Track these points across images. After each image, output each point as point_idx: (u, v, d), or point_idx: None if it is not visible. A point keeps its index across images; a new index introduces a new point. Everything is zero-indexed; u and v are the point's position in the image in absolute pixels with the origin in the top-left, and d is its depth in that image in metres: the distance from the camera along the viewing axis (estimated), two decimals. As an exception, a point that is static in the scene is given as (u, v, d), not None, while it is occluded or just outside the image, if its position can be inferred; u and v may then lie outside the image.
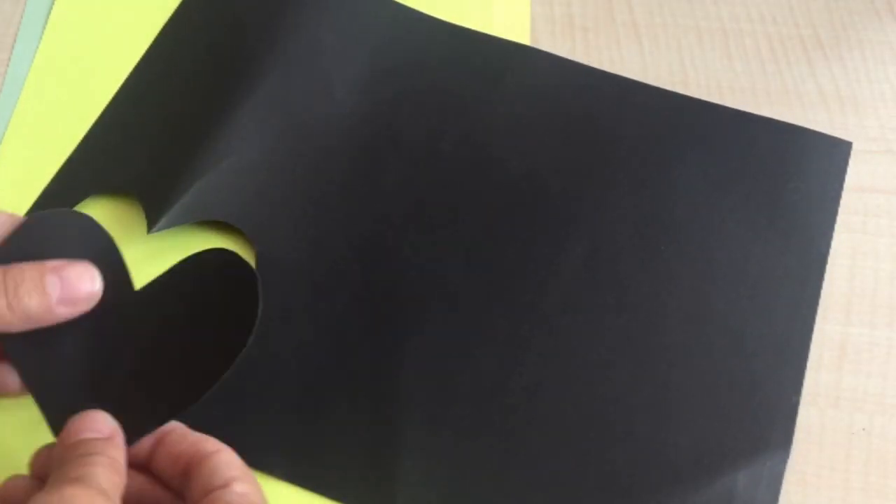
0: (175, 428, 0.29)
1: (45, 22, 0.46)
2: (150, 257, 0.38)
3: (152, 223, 0.38)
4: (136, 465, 0.29)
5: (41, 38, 0.45)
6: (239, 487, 0.26)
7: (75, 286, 0.29)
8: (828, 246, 0.39)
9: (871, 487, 0.34)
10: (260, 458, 0.33)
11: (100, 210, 0.40)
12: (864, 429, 0.36)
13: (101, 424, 0.28)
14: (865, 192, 0.41)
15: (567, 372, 0.36)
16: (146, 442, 0.29)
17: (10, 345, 0.30)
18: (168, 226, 0.38)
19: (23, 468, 0.29)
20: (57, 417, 0.29)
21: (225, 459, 0.27)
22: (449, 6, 0.47)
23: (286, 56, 0.43)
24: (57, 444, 0.28)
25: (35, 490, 0.26)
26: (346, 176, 0.41)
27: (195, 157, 0.40)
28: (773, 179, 0.40)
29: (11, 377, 0.30)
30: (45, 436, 0.29)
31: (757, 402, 0.35)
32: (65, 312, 0.29)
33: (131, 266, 0.32)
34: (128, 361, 0.30)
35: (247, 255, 0.38)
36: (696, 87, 0.44)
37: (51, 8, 0.47)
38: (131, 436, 0.28)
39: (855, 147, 0.42)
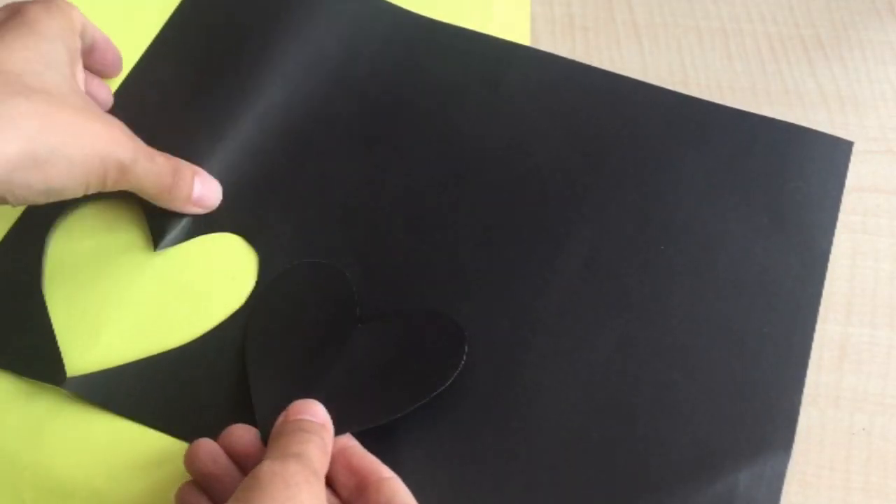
0: (356, 444, 0.32)
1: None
2: (158, 274, 0.38)
3: (158, 239, 0.38)
4: None
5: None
6: None
7: (208, 196, 0.39)
8: (829, 245, 0.39)
9: (872, 488, 0.34)
10: None
11: (100, 223, 0.40)
12: (864, 429, 0.36)
13: (318, 413, 0.31)
14: (865, 192, 0.41)
15: (568, 372, 0.36)
16: (332, 448, 0.31)
17: (249, 330, 0.36)
18: (174, 242, 0.39)
19: (20, 466, 0.30)
20: (263, 404, 0.34)
21: (402, 489, 0.30)
22: (449, 6, 0.47)
23: (283, 63, 0.43)
24: (281, 419, 0.31)
25: (222, 457, 0.31)
26: (348, 181, 0.41)
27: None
28: (774, 179, 0.40)
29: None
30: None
31: (758, 403, 0.35)
32: (192, 210, 0.38)
33: (137, 283, 0.38)
34: (340, 374, 0.35)
35: (250, 264, 0.38)
36: (696, 86, 0.44)
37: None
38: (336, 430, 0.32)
39: (855, 147, 0.42)
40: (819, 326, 0.37)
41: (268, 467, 0.28)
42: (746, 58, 0.45)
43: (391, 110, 0.43)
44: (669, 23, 0.46)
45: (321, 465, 0.29)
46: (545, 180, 0.40)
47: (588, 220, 0.39)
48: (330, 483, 0.31)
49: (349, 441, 0.32)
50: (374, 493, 0.30)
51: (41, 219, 0.39)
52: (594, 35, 0.46)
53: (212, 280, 0.38)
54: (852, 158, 0.42)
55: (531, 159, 0.41)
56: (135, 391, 0.35)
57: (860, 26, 0.46)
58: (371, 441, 0.33)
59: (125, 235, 0.39)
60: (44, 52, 0.33)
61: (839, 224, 0.40)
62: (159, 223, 0.39)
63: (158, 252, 0.38)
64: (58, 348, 0.36)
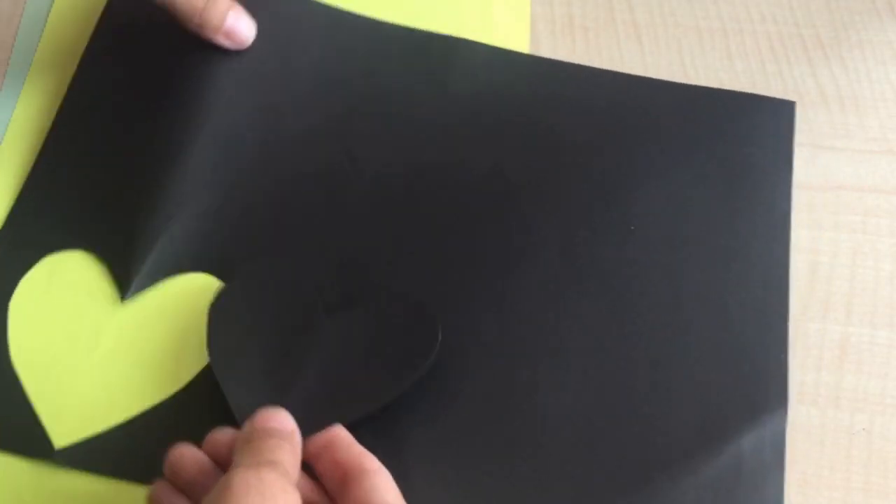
0: (343, 436, 0.31)
1: (45, 21, 0.46)
2: (130, 325, 0.37)
3: (125, 288, 0.37)
4: (303, 464, 0.31)
5: (41, 37, 0.45)
6: None
7: (240, 30, 0.39)
8: (789, 204, 0.40)
9: (872, 488, 0.35)
10: None
11: (59, 279, 0.38)
12: (864, 429, 0.36)
13: (285, 420, 0.31)
14: (866, 192, 0.41)
15: (560, 363, 0.36)
16: (317, 442, 0.31)
17: (210, 338, 0.35)
18: (141, 288, 0.37)
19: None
20: (243, 407, 0.33)
21: (384, 482, 0.29)
22: (448, 7, 0.47)
23: (225, 87, 0.40)
24: (246, 426, 0.30)
25: (208, 464, 0.30)
26: (311, 202, 0.39)
27: (153, 211, 0.38)
28: (727, 146, 0.41)
29: None
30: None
31: (748, 367, 0.36)
32: (222, 42, 0.39)
33: (109, 338, 0.36)
34: (313, 367, 0.34)
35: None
36: (696, 86, 0.44)
37: (50, 7, 0.47)
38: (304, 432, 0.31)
39: (855, 147, 0.42)
40: (819, 326, 0.37)
41: (241, 476, 0.26)
42: (746, 57, 0.45)
43: (343, 122, 0.41)
44: (669, 22, 0.46)
45: (294, 473, 0.29)
46: (507, 175, 0.40)
47: (556, 209, 0.39)
48: (320, 481, 0.31)
49: (339, 432, 0.32)
50: (355, 486, 0.29)
51: None
52: (594, 35, 0.46)
53: (188, 322, 0.36)
54: (852, 158, 0.42)
55: (490, 156, 0.41)
56: (122, 452, 0.34)
57: (860, 26, 0.46)
58: (368, 435, 0.32)
59: (88, 289, 0.37)
60: None
61: (839, 224, 0.40)
62: (123, 270, 0.37)
63: (127, 302, 0.37)
64: (40, 422, 0.34)
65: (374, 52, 0.43)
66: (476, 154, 0.41)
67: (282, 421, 0.30)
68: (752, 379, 0.36)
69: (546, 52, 0.45)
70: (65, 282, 0.38)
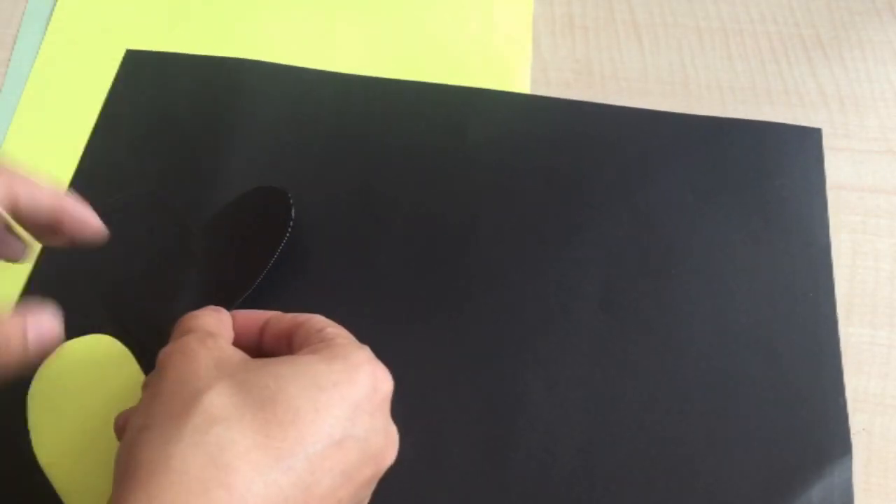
0: (274, 314, 0.32)
1: (47, 21, 0.46)
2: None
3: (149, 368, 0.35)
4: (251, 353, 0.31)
5: (43, 36, 0.45)
6: (331, 329, 0.30)
7: (45, 337, 0.30)
8: (827, 236, 0.39)
9: (873, 488, 0.34)
10: None
11: (84, 360, 0.36)
12: (864, 429, 0.36)
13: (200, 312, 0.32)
14: (866, 192, 0.41)
15: (611, 422, 0.35)
16: (253, 328, 0.32)
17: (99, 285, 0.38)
18: None
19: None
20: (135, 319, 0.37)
21: (317, 318, 0.31)
22: (450, 7, 0.47)
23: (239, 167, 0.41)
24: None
25: None
26: (342, 268, 0.38)
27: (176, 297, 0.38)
28: (758, 179, 0.40)
29: (18, 246, 0.34)
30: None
31: (807, 413, 0.35)
32: (36, 359, 0.31)
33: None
34: (197, 271, 0.38)
35: None
36: (696, 86, 0.44)
37: (52, 7, 0.47)
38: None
39: (855, 147, 0.42)
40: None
41: (164, 351, 0.29)
42: (746, 57, 0.45)
43: (364, 178, 0.41)
44: (670, 22, 0.46)
45: (216, 328, 0.30)
46: (538, 227, 0.39)
47: (593, 260, 0.38)
48: (267, 353, 0.31)
49: (268, 315, 0.32)
50: (296, 334, 0.30)
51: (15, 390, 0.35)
52: (594, 35, 0.46)
53: None
54: (852, 158, 0.42)
55: (518, 206, 0.40)
56: None
57: (860, 26, 0.46)
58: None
59: (114, 373, 0.36)
60: None
61: (840, 224, 0.40)
62: (149, 356, 0.34)
63: None
64: None
65: (388, 109, 0.43)
66: (504, 205, 0.40)
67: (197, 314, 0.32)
68: (813, 426, 0.34)
69: (546, 51, 0.45)
70: (89, 365, 0.36)
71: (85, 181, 0.41)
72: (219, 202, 0.40)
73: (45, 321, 0.30)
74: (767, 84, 0.44)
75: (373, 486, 0.29)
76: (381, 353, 0.31)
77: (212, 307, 0.32)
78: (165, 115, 0.43)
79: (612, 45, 0.46)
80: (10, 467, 0.34)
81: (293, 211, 0.37)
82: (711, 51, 0.45)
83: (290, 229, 0.37)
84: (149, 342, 0.35)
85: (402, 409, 0.35)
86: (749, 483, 0.33)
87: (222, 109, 0.43)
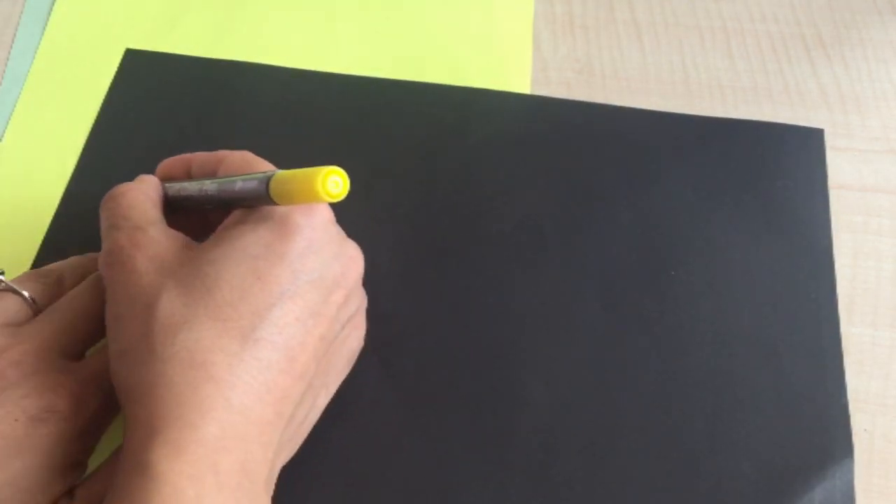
0: (199, 154, 0.33)
1: (46, 20, 0.46)
2: None
3: None
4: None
5: (42, 36, 0.45)
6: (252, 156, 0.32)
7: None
8: (829, 237, 0.39)
9: (874, 488, 0.34)
10: None
11: None
12: (865, 430, 0.35)
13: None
14: (867, 192, 0.41)
15: (613, 424, 0.35)
16: (181, 173, 0.33)
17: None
18: None
19: None
20: None
21: (238, 154, 0.32)
22: (450, 7, 0.47)
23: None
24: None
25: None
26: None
27: None
28: (759, 180, 0.40)
29: None
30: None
31: (809, 414, 0.35)
32: None
33: None
34: None
35: None
36: (696, 86, 0.44)
37: (51, 6, 0.47)
38: None
39: (857, 147, 0.42)
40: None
41: (102, 258, 0.29)
42: (747, 57, 0.45)
43: (364, 179, 0.40)
44: (670, 22, 0.46)
45: (142, 213, 0.30)
46: (538, 226, 0.39)
47: (592, 259, 0.38)
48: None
49: (192, 155, 0.33)
50: (222, 167, 0.31)
51: None
52: (595, 34, 0.46)
53: None
54: (853, 158, 0.41)
55: (519, 206, 0.40)
56: None
57: (861, 25, 0.46)
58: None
59: None
60: None
61: (840, 224, 0.40)
62: None
63: None
64: None
65: (392, 109, 0.42)
66: (505, 205, 0.40)
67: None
68: (815, 427, 0.34)
69: (547, 51, 0.45)
70: None
71: (83, 181, 0.41)
72: None
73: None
74: (768, 84, 0.44)
75: (355, 300, 0.31)
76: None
77: (138, 178, 0.33)
78: (164, 115, 0.43)
79: (613, 44, 0.45)
80: None
81: None
82: (712, 50, 0.45)
83: None
84: None
85: (403, 409, 0.35)
86: (750, 484, 0.33)
87: (221, 110, 0.43)
